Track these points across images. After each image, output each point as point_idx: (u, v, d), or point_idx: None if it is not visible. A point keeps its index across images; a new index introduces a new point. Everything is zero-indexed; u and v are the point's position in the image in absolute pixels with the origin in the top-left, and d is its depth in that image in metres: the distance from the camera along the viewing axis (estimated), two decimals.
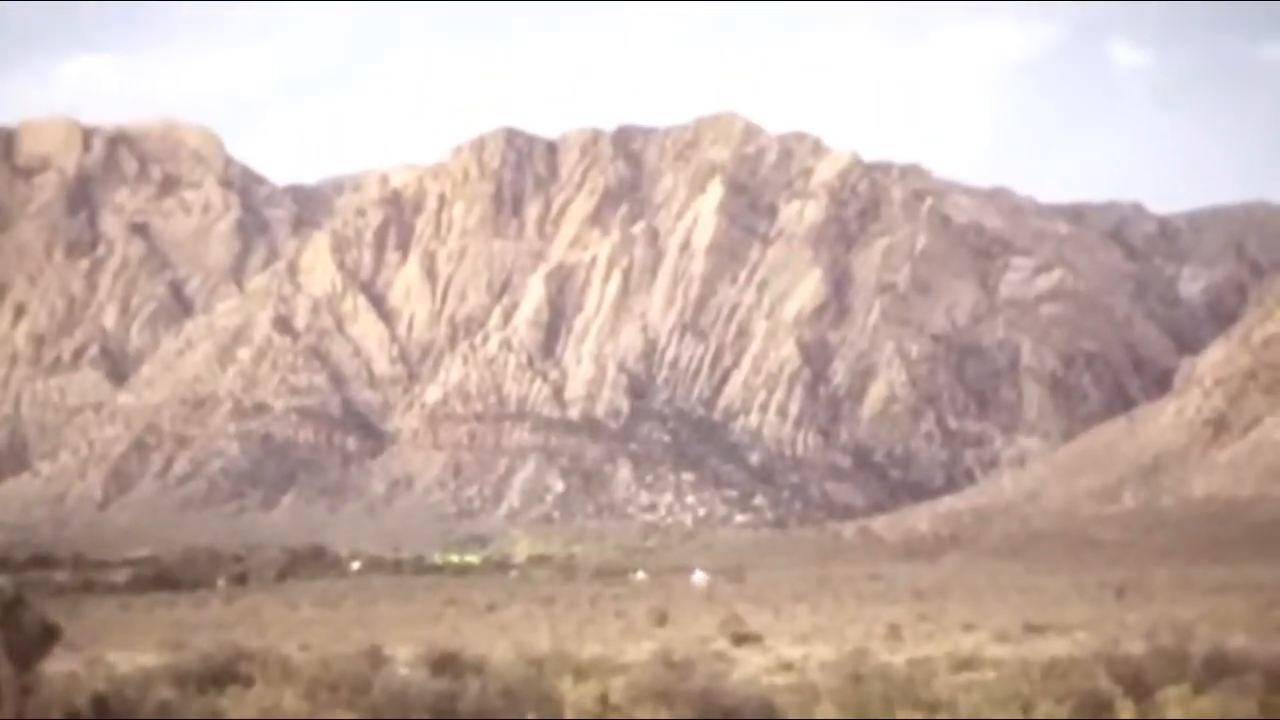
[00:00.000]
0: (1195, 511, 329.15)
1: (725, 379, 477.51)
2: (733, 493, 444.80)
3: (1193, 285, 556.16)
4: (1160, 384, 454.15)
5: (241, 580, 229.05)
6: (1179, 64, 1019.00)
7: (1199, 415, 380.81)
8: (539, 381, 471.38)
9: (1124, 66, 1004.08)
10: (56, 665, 33.19)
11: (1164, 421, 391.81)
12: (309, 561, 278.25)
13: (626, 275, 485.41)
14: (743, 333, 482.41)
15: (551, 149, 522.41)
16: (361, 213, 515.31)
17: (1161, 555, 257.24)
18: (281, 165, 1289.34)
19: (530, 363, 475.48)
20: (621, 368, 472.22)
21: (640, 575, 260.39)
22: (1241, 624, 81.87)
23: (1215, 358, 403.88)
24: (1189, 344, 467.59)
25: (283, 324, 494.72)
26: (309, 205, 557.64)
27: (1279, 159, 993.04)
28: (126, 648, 72.11)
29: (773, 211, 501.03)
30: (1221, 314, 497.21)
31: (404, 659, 37.95)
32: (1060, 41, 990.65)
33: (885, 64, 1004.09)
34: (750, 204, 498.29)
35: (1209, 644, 39.35)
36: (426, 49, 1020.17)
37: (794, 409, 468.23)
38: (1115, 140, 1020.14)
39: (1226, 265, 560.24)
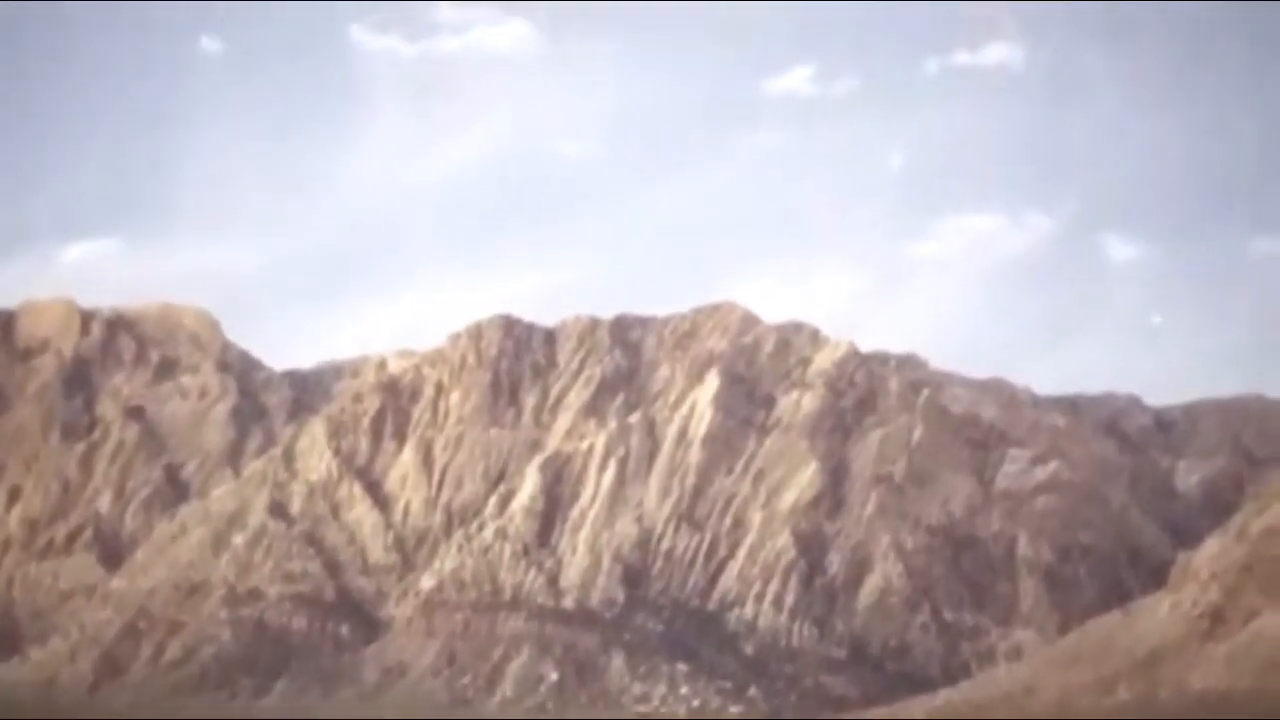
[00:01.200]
0: (1192, 705, 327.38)
1: (721, 569, 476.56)
2: (727, 684, 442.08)
3: (1189, 478, 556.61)
4: (1156, 577, 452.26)
5: None
6: (1171, 258, 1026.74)
7: (1195, 608, 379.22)
8: (534, 570, 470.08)
9: (1117, 260, 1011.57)
10: None
11: (1160, 615, 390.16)
12: None
13: (623, 465, 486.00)
14: (738, 523, 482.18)
15: (549, 337, 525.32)
16: (358, 399, 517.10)
17: None
18: (279, 350, 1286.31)
19: (525, 551, 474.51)
20: (617, 557, 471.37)
21: None
22: None
23: (1211, 551, 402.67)
24: (1185, 537, 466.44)
25: (278, 510, 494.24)
26: (306, 391, 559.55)
27: (1273, 352, 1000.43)
28: None
29: (770, 402, 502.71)
30: (1218, 507, 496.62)
31: None
32: (1054, 235, 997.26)
33: (882, 254, 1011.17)
34: (747, 394, 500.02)
35: None
36: (426, 236, 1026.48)
37: (789, 600, 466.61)
38: (1110, 332, 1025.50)
39: (1222, 458, 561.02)
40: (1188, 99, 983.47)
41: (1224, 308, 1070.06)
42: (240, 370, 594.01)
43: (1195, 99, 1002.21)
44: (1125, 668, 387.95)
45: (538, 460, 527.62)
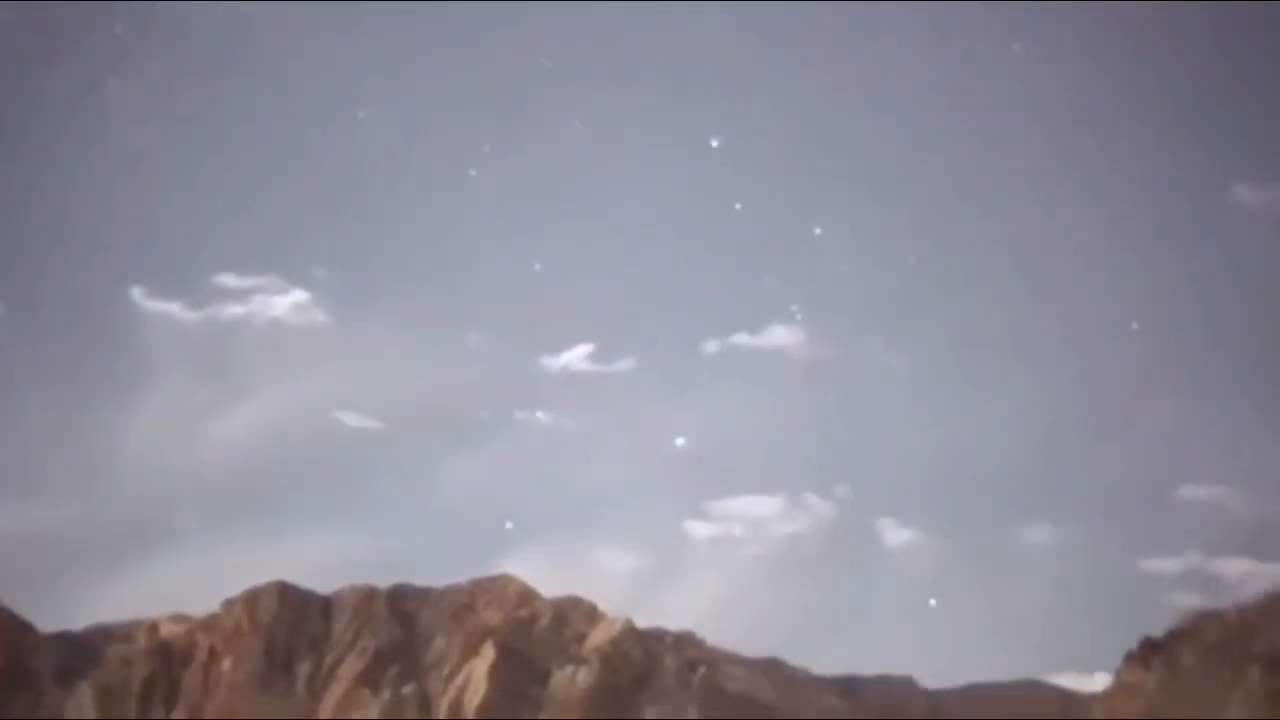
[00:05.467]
0: None
1: None
2: None
3: None
4: None
5: None
6: (948, 544, 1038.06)
7: None
8: None
9: (894, 544, 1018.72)
10: None
11: None
12: None
13: None
14: None
15: (326, 605, 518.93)
16: (128, 663, 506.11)
17: None
18: (49, 612, 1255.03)
19: None
20: None
21: None
22: None
23: None
24: None
25: None
26: (75, 654, 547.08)
27: (1047, 639, 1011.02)
28: None
29: (545, 676, 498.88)
30: None
31: None
32: (832, 518, 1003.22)
33: (662, 533, 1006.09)
34: (523, 667, 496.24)
35: None
36: (204, 501, 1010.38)
37: None
38: (885, 615, 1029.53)
39: None
40: (962, 395, 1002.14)
41: (999, 593, 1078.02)
42: (7, 632, 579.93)
43: (969, 396, 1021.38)
44: None
45: None
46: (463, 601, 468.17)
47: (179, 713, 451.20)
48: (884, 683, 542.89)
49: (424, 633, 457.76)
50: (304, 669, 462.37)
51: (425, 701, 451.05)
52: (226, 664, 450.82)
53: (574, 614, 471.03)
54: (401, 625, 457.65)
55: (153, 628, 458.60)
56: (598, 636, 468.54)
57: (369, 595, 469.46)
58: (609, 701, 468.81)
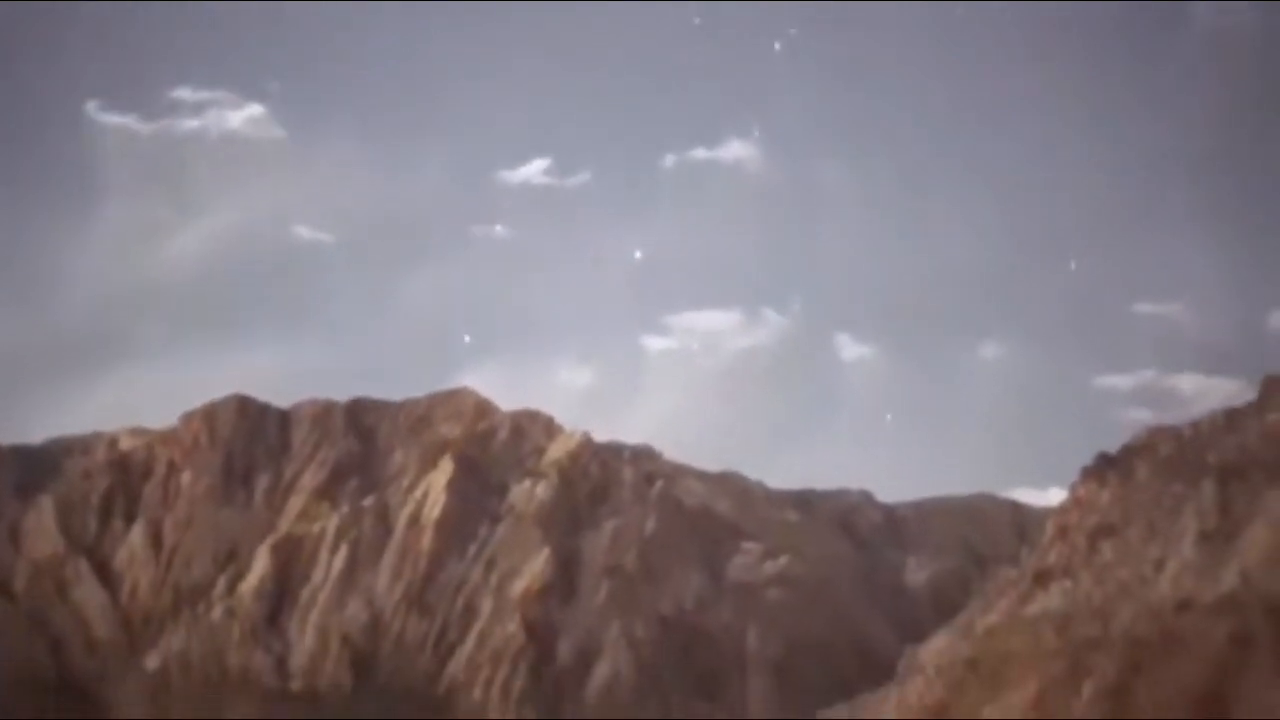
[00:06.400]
0: None
1: (450, 655, 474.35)
2: None
3: (917, 575, 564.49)
4: (883, 672, 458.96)
5: None
6: (904, 359, 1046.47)
7: (920, 703, 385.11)
8: (262, 652, 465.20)
9: (849, 360, 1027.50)
10: None
11: (887, 709, 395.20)
12: None
13: (354, 548, 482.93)
14: (469, 609, 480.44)
15: (284, 419, 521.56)
16: (88, 476, 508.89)
17: None
18: (6, 426, 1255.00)
19: (254, 633, 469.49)
20: (345, 641, 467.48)
21: None
22: None
23: (938, 647, 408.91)
24: (913, 633, 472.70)
25: (1, 588, 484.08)
26: (34, 467, 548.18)
27: (1000, 453, 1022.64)
28: None
29: (503, 489, 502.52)
30: (945, 604, 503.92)
31: None
32: (788, 333, 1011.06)
33: (619, 347, 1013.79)
34: (481, 481, 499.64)
35: None
36: (161, 315, 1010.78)
37: (518, 687, 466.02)
38: (843, 430, 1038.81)
39: (950, 556, 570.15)
40: (919, 214, 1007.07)
41: (954, 409, 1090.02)
42: None
43: (926, 210, 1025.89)
44: None
45: (269, 542, 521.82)
46: (421, 415, 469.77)
47: (139, 526, 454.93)
48: (840, 496, 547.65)
49: (382, 446, 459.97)
50: (263, 482, 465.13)
51: (384, 514, 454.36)
52: (186, 477, 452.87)
53: (532, 428, 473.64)
54: (360, 439, 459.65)
55: (112, 441, 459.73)
56: (556, 450, 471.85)
57: (327, 409, 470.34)
58: (567, 515, 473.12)
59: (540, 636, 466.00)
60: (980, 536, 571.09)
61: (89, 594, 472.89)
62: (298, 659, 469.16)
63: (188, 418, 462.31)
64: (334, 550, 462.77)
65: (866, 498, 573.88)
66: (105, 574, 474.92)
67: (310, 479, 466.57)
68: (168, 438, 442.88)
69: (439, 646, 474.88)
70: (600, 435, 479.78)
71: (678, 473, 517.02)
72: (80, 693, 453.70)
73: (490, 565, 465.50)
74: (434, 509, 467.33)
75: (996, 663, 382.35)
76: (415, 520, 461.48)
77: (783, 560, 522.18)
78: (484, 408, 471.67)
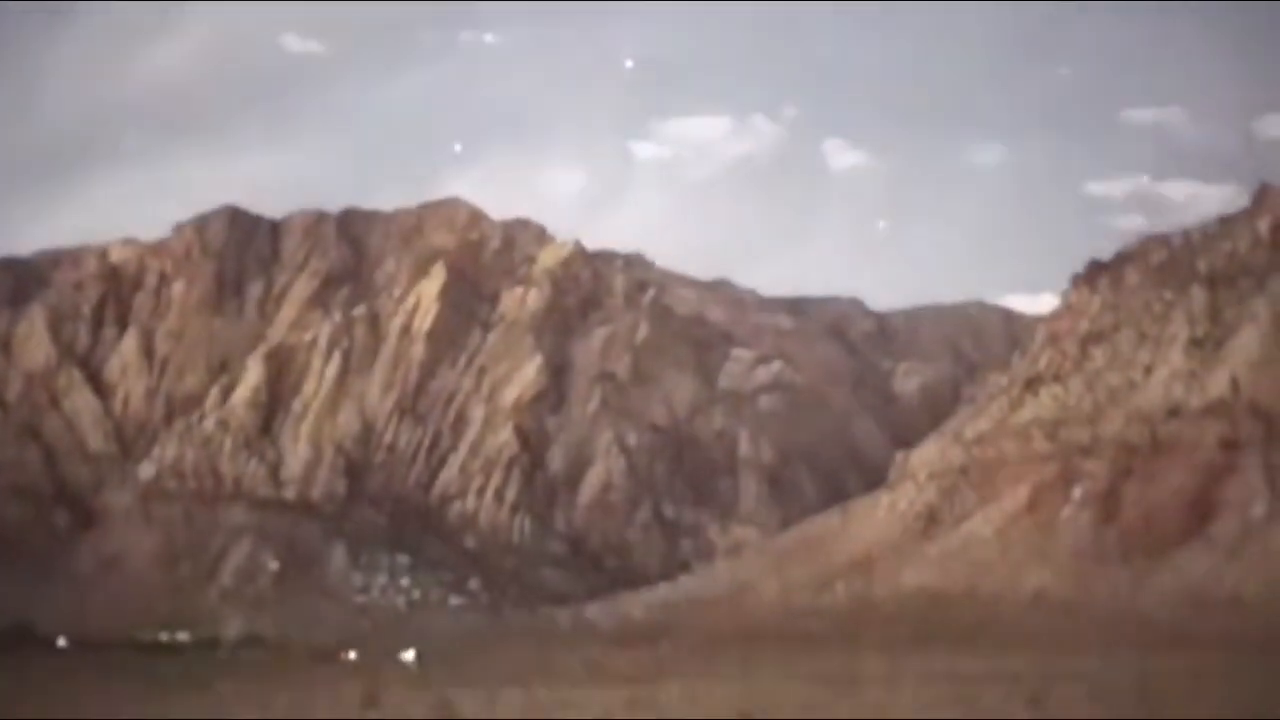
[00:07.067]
0: (906, 603, 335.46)
1: (442, 463, 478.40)
2: (447, 576, 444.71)
3: (909, 381, 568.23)
4: (875, 478, 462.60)
5: None
6: (893, 166, 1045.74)
7: (911, 509, 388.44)
8: (255, 461, 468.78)
9: (842, 166, 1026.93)
10: None
11: (877, 515, 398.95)
12: (14, 638, 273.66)
13: (346, 358, 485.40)
14: (461, 418, 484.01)
15: (275, 230, 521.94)
16: (79, 288, 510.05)
17: (873, 645, 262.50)
18: None
19: (247, 442, 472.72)
20: (339, 450, 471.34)
21: (352, 656, 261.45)
22: (949, 713, 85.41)
23: (928, 453, 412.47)
24: (904, 439, 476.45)
25: None
26: (25, 279, 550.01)
27: (992, 260, 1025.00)
28: None
29: (494, 298, 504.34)
30: (935, 410, 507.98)
31: None
32: (780, 140, 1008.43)
33: (610, 154, 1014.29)
34: (472, 290, 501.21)
35: None
36: (151, 126, 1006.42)
37: (510, 494, 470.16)
38: (834, 236, 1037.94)
39: (942, 363, 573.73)
40: (910, 18, 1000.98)
41: (946, 215, 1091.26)
42: None
43: (917, 19, 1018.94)
44: (842, 566, 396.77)
45: (261, 352, 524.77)
46: (412, 225, 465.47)
47: (131, 336, 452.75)
48: (832, 304, 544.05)
49: (374, 256, 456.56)
50: (254, 292, 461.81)
51: (375, 323, 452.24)
52: (178, 288, 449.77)
53: (523, 236, 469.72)
54: (351, 248, 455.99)
55: (103, 253, 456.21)
56: (547, 259, 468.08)
57: (318, 219, 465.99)
58: (558, 323, 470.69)
59: (532, 444, 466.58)
60: (971, 343, 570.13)
61: (82, 404, 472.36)
62: (291, 468, 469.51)
63: (179, 229, 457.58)
64: (326, 360, 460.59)
65: (858, 305, 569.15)
66: (98, 384, 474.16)
67: (302, 289, 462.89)
68: (159, 249, 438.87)
69: (431, 455, 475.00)
70: (591, 244, 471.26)
71: (669, 280, 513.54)
72: (75, 502, 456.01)
73: (482, 374, 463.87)
74: (425, 318, 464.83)
75: (987, 468, 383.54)
76: (407, 330, 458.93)
77: (774, 367, 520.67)
78: (475, 217, 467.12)
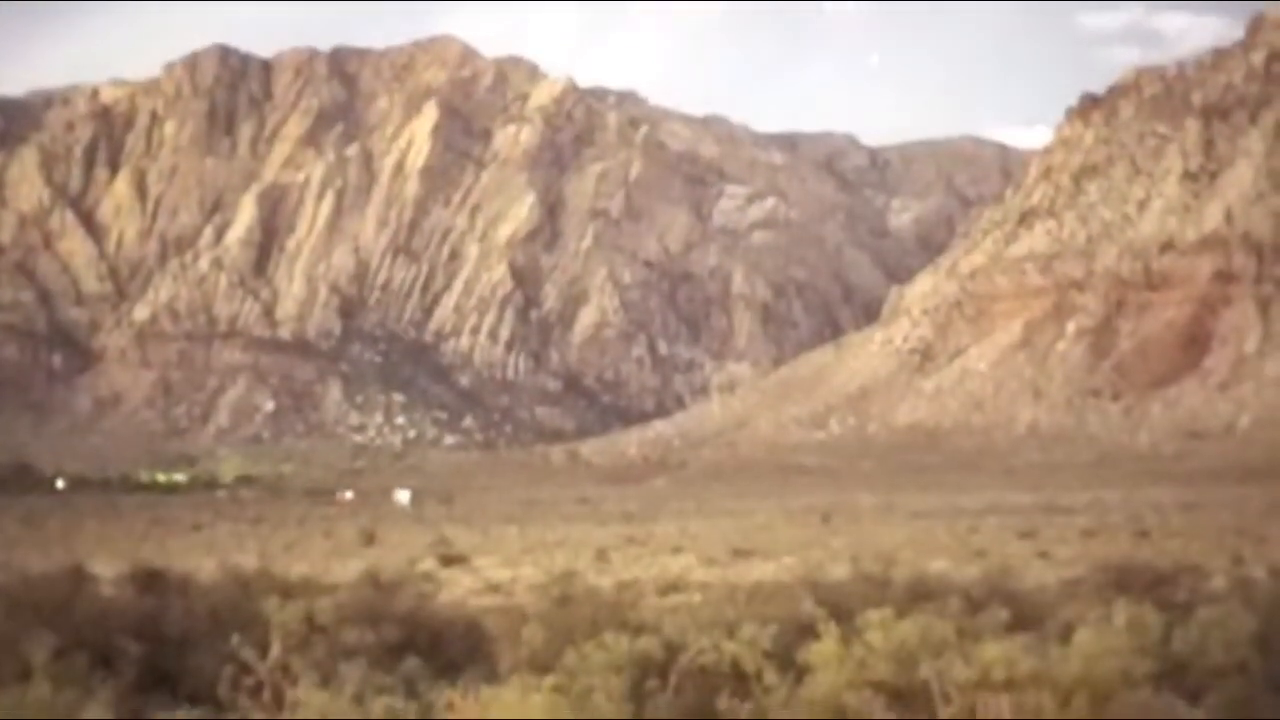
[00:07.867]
0: (900, 439, 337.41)
1: (436, 301, 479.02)
2: (442, 414, 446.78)
3: (902, 216, 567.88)
4: (869, 313, 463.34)
5: None
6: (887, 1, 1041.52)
7: (906, 344, 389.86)
8: (250, 301, 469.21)
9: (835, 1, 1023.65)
10: None
11: (872, 350, 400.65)
12: (12, 479, 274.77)
13: (340, 196, 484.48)
14: (455, 256, 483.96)
15: (266, 68, 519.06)
16: (70, 128, 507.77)
17: (867, 481, 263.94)
18: None
19: (241, 282, 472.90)
20: (333, 289, 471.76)
21: (349, 494, 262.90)
22: (942, 549, 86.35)
23: (923, 288, 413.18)
24: (897, 274, 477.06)
25: None
26: (16, 119, 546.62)
27: (985, 95, 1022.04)
28: None
29: (487, 135, 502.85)
30: (929, 245, 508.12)
31: (108, 578, 38.73)
32: None
33: None
34: (465, 127, 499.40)
35: (910, 569, 43.01)
36: None
37: (505, 332, 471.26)
38: (828, 72, 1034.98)
39: (935, 197, 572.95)
40: None
41: (939, 48, 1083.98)
42: None
43: None
44: (836, 401, 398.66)
45: (254, 191, 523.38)
46: (404, 62, 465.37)
47: (123, 176, 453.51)
48: (825, 139, 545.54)
49: (366, 94, 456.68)
50: (246, 130, 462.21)
51: (368, 162, 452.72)
52: (169, 127, 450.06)
53: (515, 74, 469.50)
54: (343, 86, 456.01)
55: (94, 92, 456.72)
56: (540, 95, 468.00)
57: (310, 57, 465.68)
58: (551, 160, 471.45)
59: (526, 281, 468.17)
60: (965, 177, 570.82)
61: (76, 244, 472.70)
62: (286, 307, 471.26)
63: (169, 68, 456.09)
64: (319, 198, 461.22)
65: (851, 140, 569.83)
66: (91, 225, 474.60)
67: (294, 127, 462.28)
68: (150, 88, 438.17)
69: (426, 293, 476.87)
70: (584, 80, 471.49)
71: (662, 116, 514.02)
72: (71, 342, 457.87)
73: (475, 211, 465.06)
74: (418, 156, 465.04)
75: (981, 302, 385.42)
76: (400, 168, 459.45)
77: (768, 203, 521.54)
78: (467, 54, 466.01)
